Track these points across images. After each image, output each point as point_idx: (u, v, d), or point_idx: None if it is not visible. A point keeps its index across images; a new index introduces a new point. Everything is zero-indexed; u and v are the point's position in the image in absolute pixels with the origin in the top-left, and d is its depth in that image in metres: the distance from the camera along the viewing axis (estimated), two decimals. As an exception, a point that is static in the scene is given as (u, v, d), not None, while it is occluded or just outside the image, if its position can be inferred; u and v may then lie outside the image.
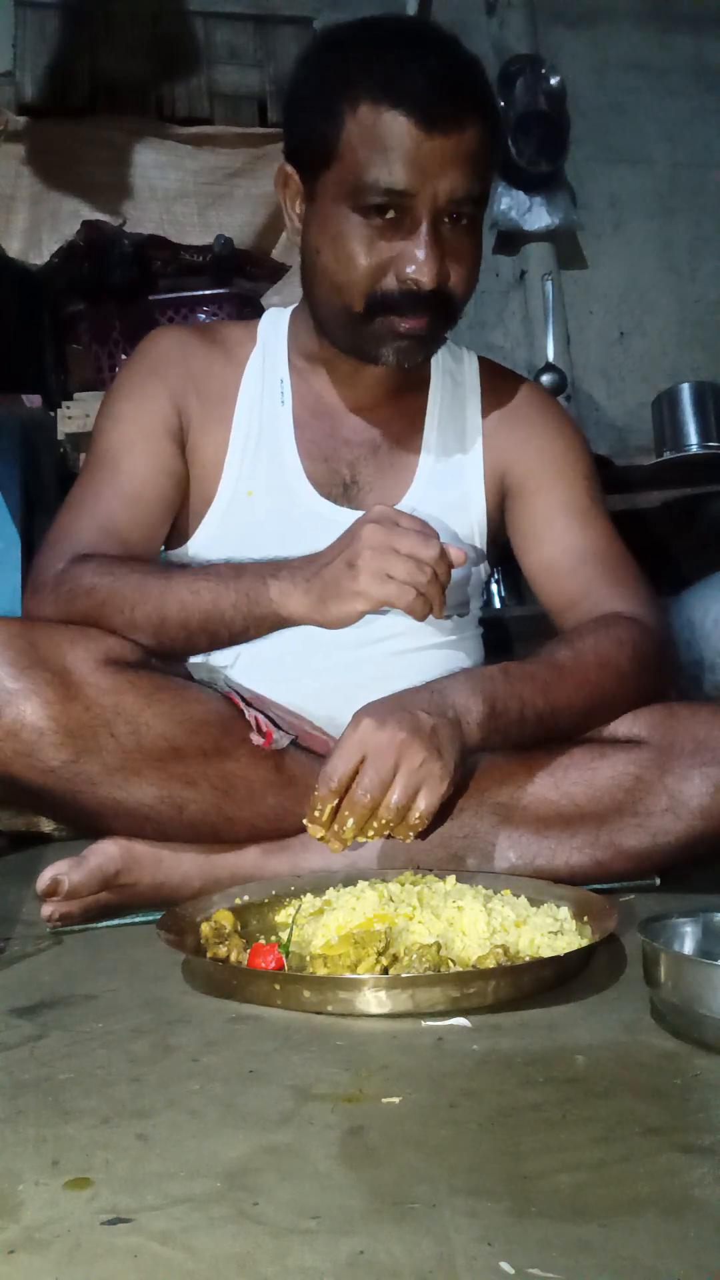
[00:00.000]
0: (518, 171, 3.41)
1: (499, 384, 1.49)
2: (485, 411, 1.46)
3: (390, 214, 1.22)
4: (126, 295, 2.63)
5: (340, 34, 1.32)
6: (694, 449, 3.14)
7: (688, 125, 3.67)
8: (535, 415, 1.47)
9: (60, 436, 2.40)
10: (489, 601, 3.15)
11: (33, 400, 2.43)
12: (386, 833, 1.10)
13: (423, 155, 1.20)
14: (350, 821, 1.08)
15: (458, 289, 1.27)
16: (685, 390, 3.21)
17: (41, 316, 2.73)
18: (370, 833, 1.09)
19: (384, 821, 1.08)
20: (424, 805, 1.08)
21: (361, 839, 1.10)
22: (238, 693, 1.31)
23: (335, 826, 1.09)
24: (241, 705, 1.27)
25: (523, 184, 3.44)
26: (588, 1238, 0.55)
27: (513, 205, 3.45)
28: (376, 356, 1.30)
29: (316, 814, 1.09)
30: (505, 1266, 0.53)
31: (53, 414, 2.43)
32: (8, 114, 2.93)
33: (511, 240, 3.52)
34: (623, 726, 1.27)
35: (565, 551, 1.40)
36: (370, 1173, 0.63)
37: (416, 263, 1.22)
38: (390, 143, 1.21)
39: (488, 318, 3.53)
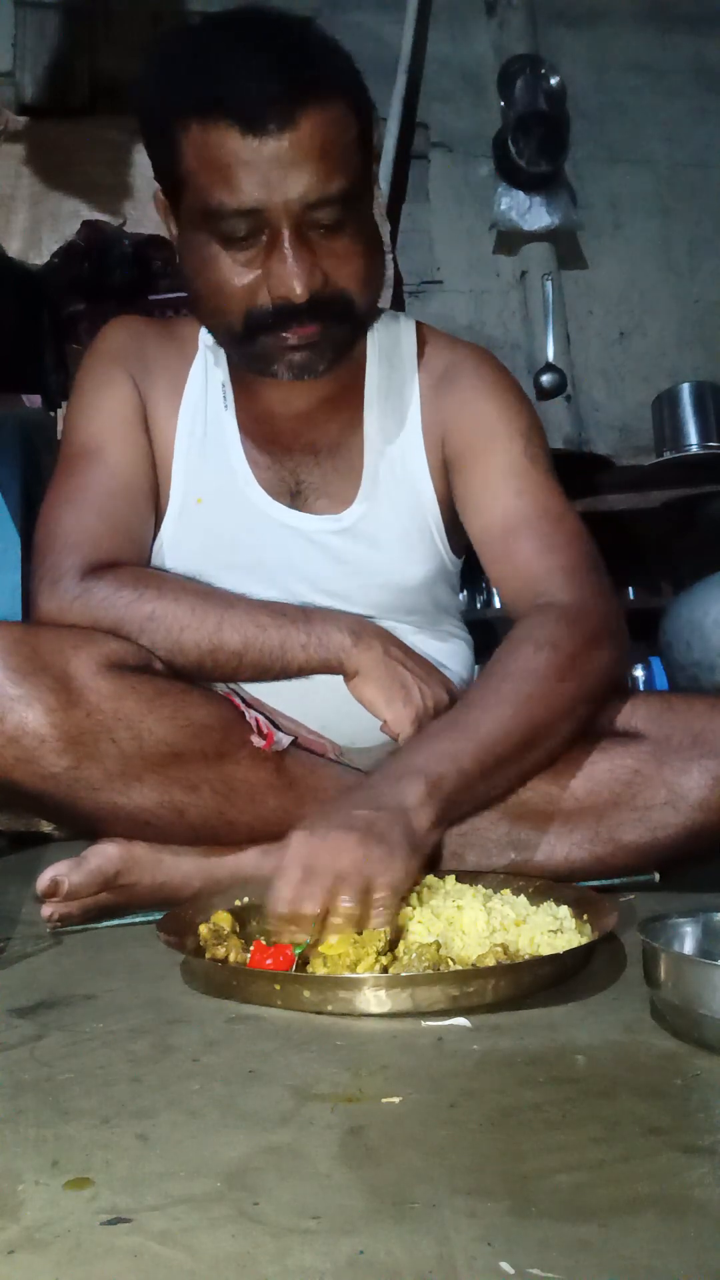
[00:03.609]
0: (518, 171, 3.41)
1: (434, 355, 1.43)
2: (422, 391, 1.41)
3: (246, 233, 1.17)
4: (126, 295, 2.63)
5: (168, 45, 1.24)
6: (694, 449, 3.14)
7: (688, 125, 3.68)
8: (465, 379, 1.40)
9: (60, 436, 2.40)
10: (489, 601, 3.15)
11: (33, 400, 2.44)
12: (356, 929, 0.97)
13: (261, 164, 1.13)
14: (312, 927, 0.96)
15: (348, 289, 1.21)
16: (685, 390, 3.21)
17: (41, 316, 2.73)
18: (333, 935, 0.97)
19: (347, 917, 0.96)
20: (381, 890, 0.97)
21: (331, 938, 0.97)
22: (237, 694, 1.31)
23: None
24: (242, 707, 1.27)
25: (523, 184, 3.44)
26: (588, 1238, 0.55)
27: (513, 205, 3.45)
28: (274, 373, 1.26)
29: (285, 939, 0.97)
30: (505, 1266, 0.53)
31: (53, 414, 2.44)
32: (8, 114, 2.93)
33: (511, 240, 3.52)
34: (620, 720, 1.26)
35: (500, 519, 1.34)
36: (370, 1173, 0.63)
37: (282, 279, 1.17)
38: (224, 159, 1.14)
39: (488, 318, 3.53)
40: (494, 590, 3.11)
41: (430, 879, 1.12)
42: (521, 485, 1.34)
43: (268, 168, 1.13)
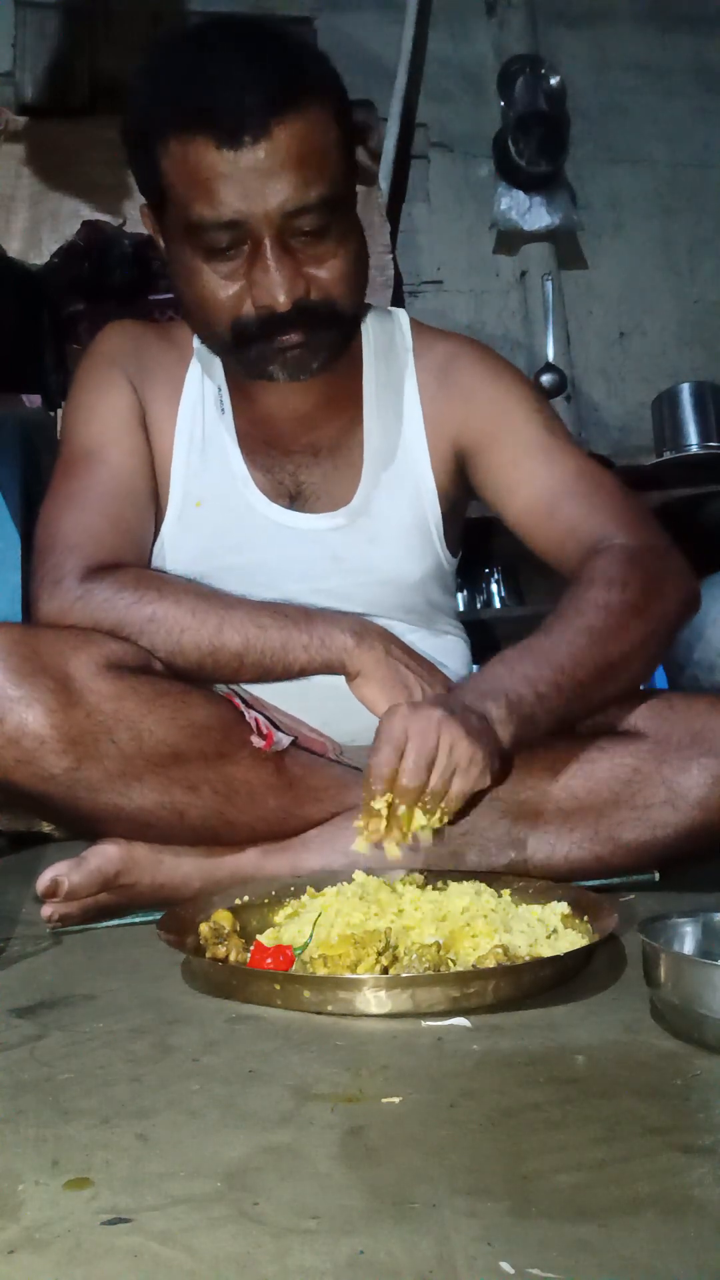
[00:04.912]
0: (518, 171, 3.41)
1: (430, 348, 1.43)
2: (421, 385, 1.42)
3: (228, 244, 1.18)
4: (126, 295, 2.63)
5: (151, 60, 1.25)
6: (694, 449, 3.14)
7: (688, 125, 3.67)
8: (468, 368, 1.42)
9: (60, 436, 2.40)
10: (488, 601, 3.15)
11: (33, 400, 2.44)
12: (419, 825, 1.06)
13: (239, 176, 1.14)
14: (403, 808, 1.04)
15: (332, 294, 1.23)
16: (685, 390, 3.21)
17: (41, 316, 2.73)
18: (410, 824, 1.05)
19: (423, 804, 1.05)
20: (457, 788, 1.05)
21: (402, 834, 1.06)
22: (237, 694, 1.31)
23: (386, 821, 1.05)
24: (241, 707, 1.27)
25: (523, 184, 3.44)
26: (588, 1238, 0.55)
27: (513, 205, 3.45)
28: (270, 374, 1.27)
29: (375, 808, 1.05)
30: (505, 1266, 0.53)
31: (53, 414, 2.43)
32: (8, 114, 2.93)
33: (511, 240, 3.52)
34: (620, 718, 1.27)
35: (540, 493, 1.35)
36: (370, 1173, 0.63)
37: (265, 288, 1.18)
38: (202, 172, 1.15)
39: (488, 318, 3.53)
40: (498, 585, 3.11)
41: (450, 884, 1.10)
42: (551, 456, 1.36)
43: (245, 179, 1.15)
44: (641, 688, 1.33)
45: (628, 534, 1.30)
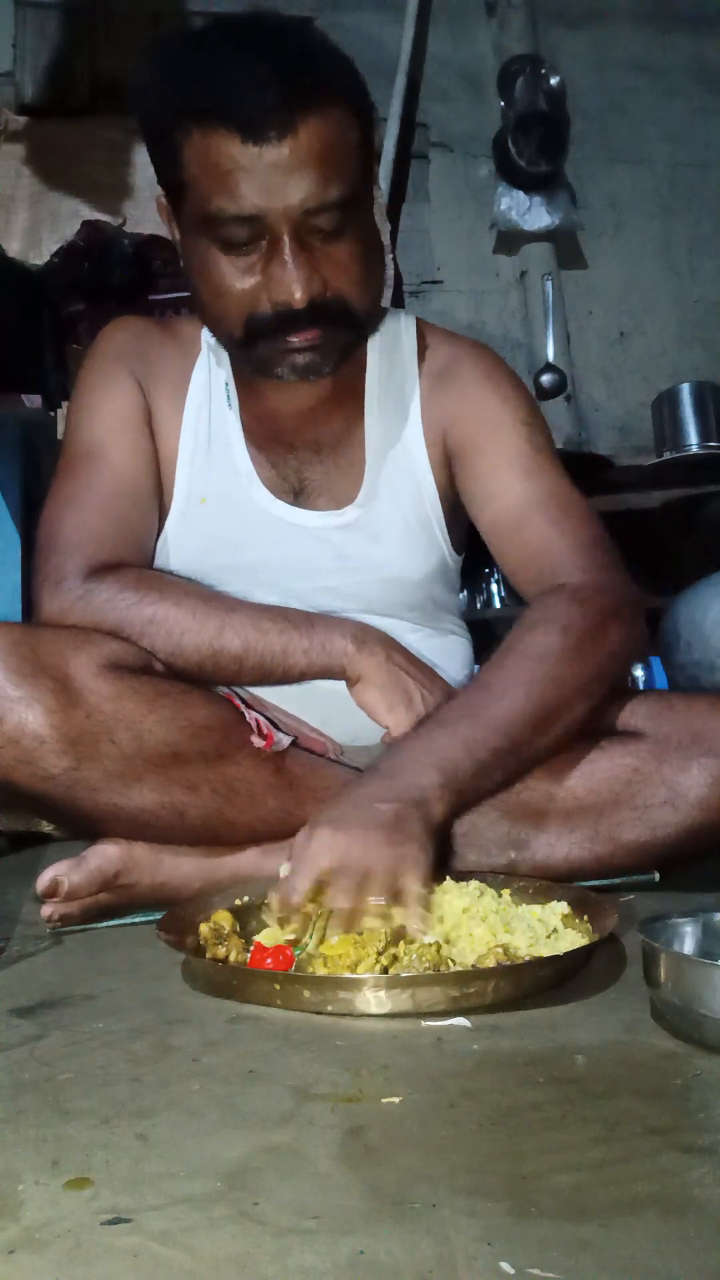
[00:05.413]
0: (518, 171, 3.41)
1: (434, 351, 1.43)
2: (423, 384, 1.41)
3: (246, 239, 1.18)
4: (126, 295, 2.64)
5: (169, 50, 1.26)
6: (694, 449, 3.14)
7: (688, 125, 3.68)
8: (465, 372, 1.41)
9: (60, 436, 2.40)
10: (489, 601, 3.15)
11: (33, 400, 2.44)
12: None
13: (261, 171, 1.14)
14: (336, 935, 0.96)
15: (347, 295, 1.22)
16: (685, 390, 3.21)
17: (41, 316, 2.74)
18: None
19: (381, 916, 0.97)
20: (412, 888, 0.98)
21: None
22: (237, 694, 1.31)
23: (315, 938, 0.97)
24: (241, 707, 1.27)
25: (523, 184, 3.44)
26: (588, 1238, 0.55)
27: (513, 205, 3.45)
28: (278, 374, 1.27)
29: (289, 930, 0.99)
30: (505, 1266, 0.53)
31: (53, 414, 2.44)
32: (8, 114, 2.93)
33: (511, 240, 3.52)
34: (620, 719, 1.26)
35: (511, 507, 1.34)
36: (370, 1173, 0.63)
37: (282, 284, 1.18)
38: (224, 165, 1.15)
39: (488, 318, 3.53)
40: (498, 585, 3.11)
41: (450, 884, 1.09)
42: (528, 471, 1.35)
43: (267, 174, 1.15)
44: (641, 688, 1.33)
45: (585, 567, 1.28)
